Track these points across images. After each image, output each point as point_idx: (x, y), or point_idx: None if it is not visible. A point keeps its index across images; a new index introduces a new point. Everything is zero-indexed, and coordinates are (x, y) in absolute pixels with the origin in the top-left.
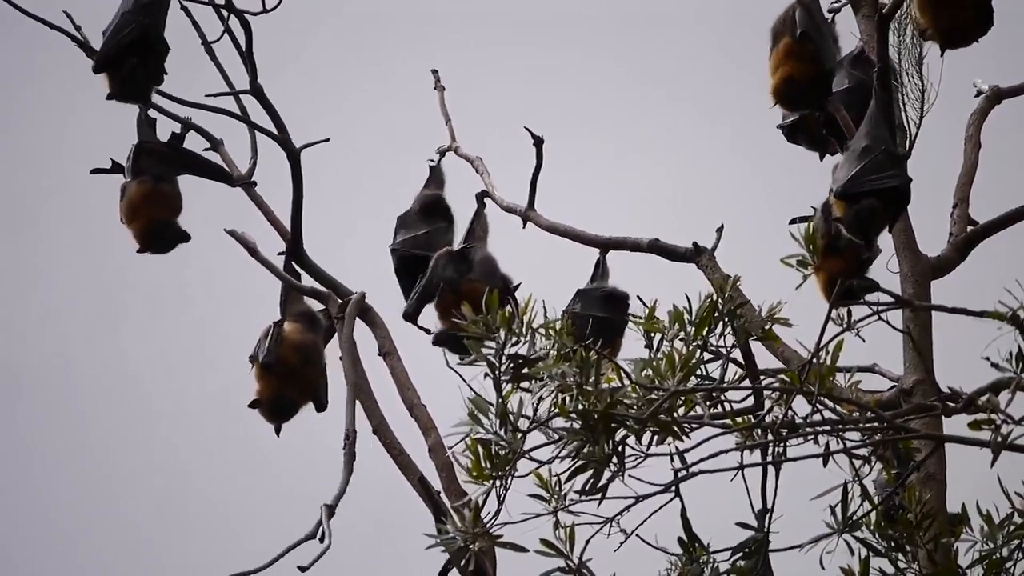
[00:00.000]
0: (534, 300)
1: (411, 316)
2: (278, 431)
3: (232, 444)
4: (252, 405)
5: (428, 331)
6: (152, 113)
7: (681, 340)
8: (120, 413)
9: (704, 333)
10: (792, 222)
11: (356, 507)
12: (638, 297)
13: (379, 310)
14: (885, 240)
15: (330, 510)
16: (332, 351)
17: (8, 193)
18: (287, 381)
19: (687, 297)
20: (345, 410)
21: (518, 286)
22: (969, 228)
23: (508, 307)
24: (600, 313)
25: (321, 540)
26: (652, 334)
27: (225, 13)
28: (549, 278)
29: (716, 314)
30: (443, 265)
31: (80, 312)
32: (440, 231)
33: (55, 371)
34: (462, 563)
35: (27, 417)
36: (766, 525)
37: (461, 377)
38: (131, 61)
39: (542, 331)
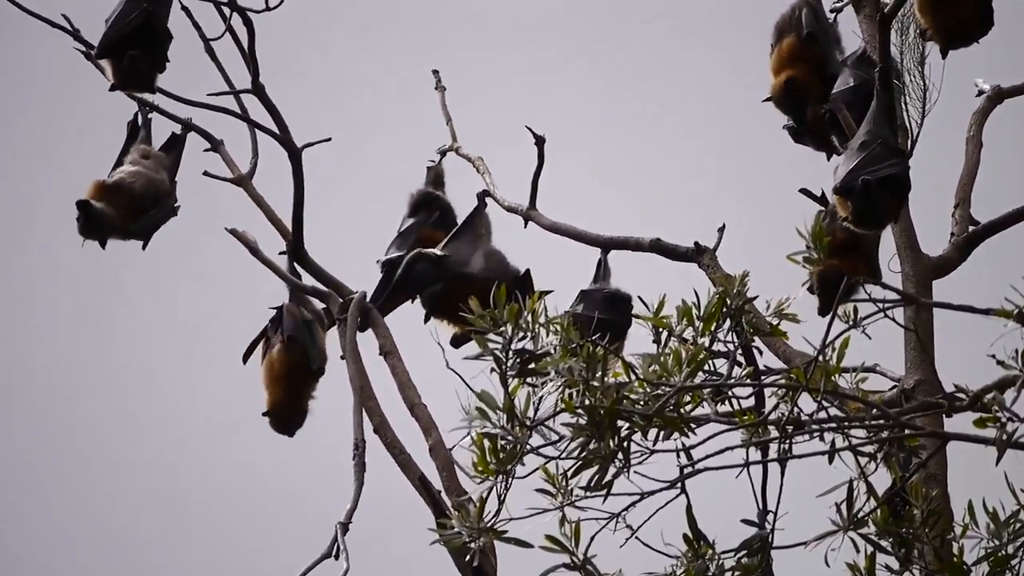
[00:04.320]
0: (540, 296)
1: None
2: (265, 418)
3: (232, 447)
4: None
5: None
6: (150, 113)
7: (689, 336)
8: (118, 414)
9: (712, 329)
10: (801, 191)
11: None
12: (639, 298)
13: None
14: (887, 240)
15: (344, 527)
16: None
17: (8, 193)
18: (307, 389)
19: (695, 293)
20: (352, 417)
21: (528, 274)
22: (970, 228)
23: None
24: (603, 314)
25: (336, 558)
26: (660, 330)
27: (227, 11)
28: (551, 278)
29: (724, 310)
30: (415, 264)
31: (79, 312)
32: (428, 221)
33: (54, 372)
34: (465, 559)
35: (27, 419)
36: (771, 522)
37: (460, 377)
38: (133, 52)
39: (548, 326)
